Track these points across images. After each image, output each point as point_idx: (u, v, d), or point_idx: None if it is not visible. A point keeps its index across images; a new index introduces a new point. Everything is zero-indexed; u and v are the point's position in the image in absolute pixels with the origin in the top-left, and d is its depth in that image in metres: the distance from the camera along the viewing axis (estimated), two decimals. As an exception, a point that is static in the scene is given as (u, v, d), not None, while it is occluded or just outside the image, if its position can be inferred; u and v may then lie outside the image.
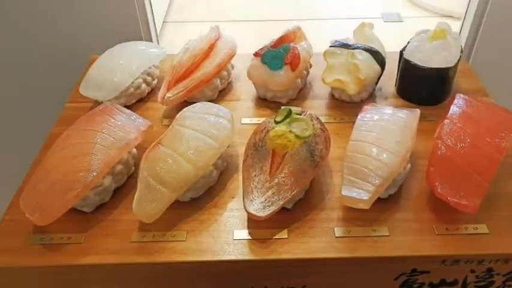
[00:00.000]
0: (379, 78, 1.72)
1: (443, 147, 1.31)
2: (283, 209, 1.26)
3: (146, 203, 1.23)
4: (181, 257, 1.20)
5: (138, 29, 2.08)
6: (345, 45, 1.69)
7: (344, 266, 1.23)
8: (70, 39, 2.09)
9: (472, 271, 1.25)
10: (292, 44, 1.68)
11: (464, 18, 2.14)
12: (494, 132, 1.36)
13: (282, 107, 1.39)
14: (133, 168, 1.46)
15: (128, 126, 1.42)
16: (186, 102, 1.63)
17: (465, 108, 1.44)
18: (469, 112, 1.42)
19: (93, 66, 1.72)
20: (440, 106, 1.68)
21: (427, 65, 1.62)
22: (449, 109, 1.44)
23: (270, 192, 1.23)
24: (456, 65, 1.65)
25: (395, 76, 1.78)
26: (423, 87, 1.69)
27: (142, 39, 2.10)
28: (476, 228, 1.26)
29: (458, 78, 1.78)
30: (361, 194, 1.21)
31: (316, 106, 1.72)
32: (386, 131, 1.34)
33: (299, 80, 1.72)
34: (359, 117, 1.44)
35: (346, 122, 1.63)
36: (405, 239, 1.24)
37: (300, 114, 1.37)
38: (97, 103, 1.66)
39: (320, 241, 1.23)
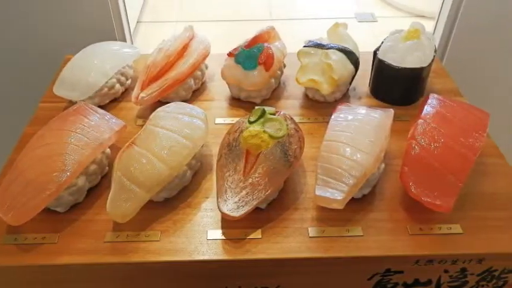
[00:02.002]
0: (353, 78, 1.73)
1: (417, 147, 1.31)
2: (257, 209, 1.26)
3: (120, 203, 1.22)
4: (155, 257, 1.20)
5: (112, 28, 2.07)
6: (318, 45, 1.69)
7: (318, 266, 1.23)
8: (44, 38, 2.08)
9: (446, 271, 1.26)
10: (266, 44, 1.68)
11: (438, 18, 2.15)
12: (468, 132, 1.37)
13: (256, 107, 1.39)
14: (107, 168, 1.45)
15: (101, 126, 1.41)
16: (160, 102, 1.62)
17: (439, 108, 1.44)
18: (442, 112, 1.43)
19: (67, 66, 1.70)
20: (414, 106, 1.69)
21: (400, 65, 1.63)
22: (423, 109, 1.45)
23: (243, 192, 1.23)
24: (430, 65, 1.66)
25: (369, 76, 1.78)
26: (397, 87, 1.69)
27: (116, 39, 2.09)
28: (450, 228, 1.26)
29: (432, 79, 1.79)
30: (335, 194, 1.21)
31: (290, 106, 1.72)
32: (360, 131, 1.34)
33: (273, 80, 1.72)
34: (333, 117, 1.44)
35: (320, 122, 1.63)
36: (379, 239, 1.24)
37: (273, 114, 1.37)
38: (71, 103, 1.65)
39: (294, 241, 1.23)
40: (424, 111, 1.43)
